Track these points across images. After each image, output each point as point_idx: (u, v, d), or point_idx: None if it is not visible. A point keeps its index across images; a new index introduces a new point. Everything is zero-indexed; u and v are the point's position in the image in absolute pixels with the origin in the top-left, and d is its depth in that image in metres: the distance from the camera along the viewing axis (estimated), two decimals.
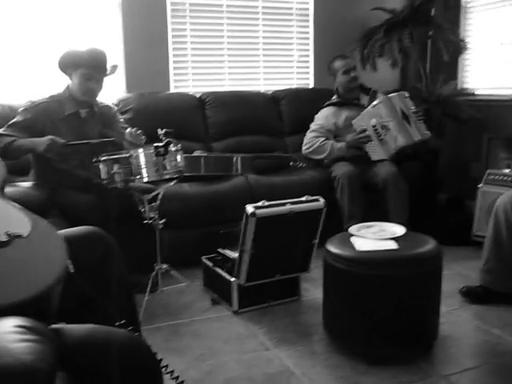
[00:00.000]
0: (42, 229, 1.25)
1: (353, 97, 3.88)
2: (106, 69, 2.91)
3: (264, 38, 4.53)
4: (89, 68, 2.84)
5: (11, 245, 1.16)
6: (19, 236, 1.19)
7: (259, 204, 2.47)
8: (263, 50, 4.55)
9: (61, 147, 2.70)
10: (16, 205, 1.30)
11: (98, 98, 3.03)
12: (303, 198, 2.60)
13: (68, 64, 2.87)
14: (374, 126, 3.58)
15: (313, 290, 2.91)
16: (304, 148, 3.78)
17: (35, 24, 3.72)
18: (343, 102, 3.84)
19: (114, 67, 2.94)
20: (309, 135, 3.79)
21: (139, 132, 2.75)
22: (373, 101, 3.70)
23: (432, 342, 2.27)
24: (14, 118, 2.89)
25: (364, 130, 3.61)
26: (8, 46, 3.68)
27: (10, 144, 2.71)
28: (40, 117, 2.84)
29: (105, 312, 1.36)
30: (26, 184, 2.86)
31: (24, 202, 1.35)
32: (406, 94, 3.64)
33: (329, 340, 2.34)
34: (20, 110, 2.91)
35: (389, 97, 3.59)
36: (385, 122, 3.55)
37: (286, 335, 2.42)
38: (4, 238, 1.16)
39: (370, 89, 3.91)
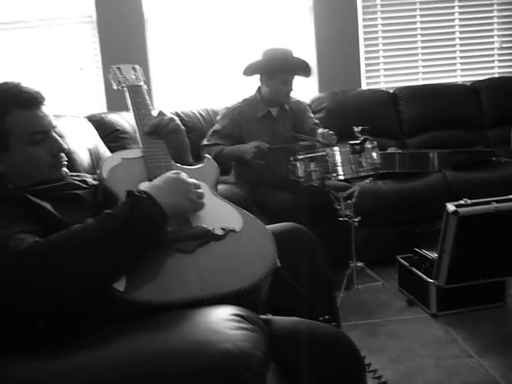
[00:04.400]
0: (253, 224, 1.32)
1: None
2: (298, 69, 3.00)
3: (460, 26, 4.29)
4: (286, 72, 2.96)
5: (226, 239, 1.24)
6: (233, 230, 1.27)
7: (461, 202, 2.34)
8: (459, 38, 4.30)
9: (266, 152, 2.84)
10: (228, 201, 1.39)
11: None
12: (511, 196, 2.40)
13: (265, 70, 2.99)
14: None
15: None
16: None
17: (230, 31, 3.98)
18: None
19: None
20: None
21: (331, 132, 2.77)
22: None
23: None
24: (215, 124, 3.12)
25: None
26: (206, 54, 3.99)
27: (220, 153, 2.94)
28: (236, 121, 3.03)
29: (309, 306, 1.39)
30: (228, 181, 3.06)
31: (228, 199, 1.44)
32: None
33: None
34: (218, 117, 3.14)
35: None
36: None
37: (490, 343, 2.25)
38: (220, 232, 1.25)
39: None
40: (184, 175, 1.29)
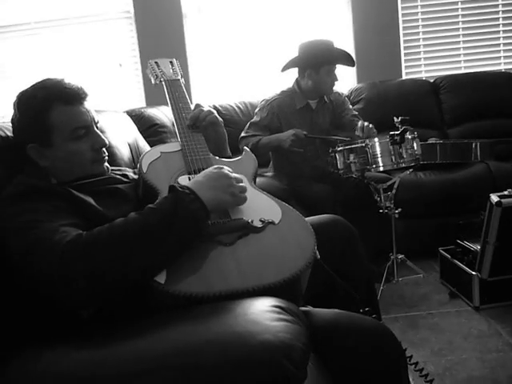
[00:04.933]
0: (292, 216, 1.31)
1: None
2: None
3: (504, 11, 4.15)
4: (331, 63, 2.94)
5: (265, 231, 1.24)
6: (272, 222, 1.27)
7: (505, 193, 2.29)
8: (503, 25, 4.17)
9: (303, 140, 2.82)
10: (267, 193, 1.39)
11: None
12: None
13: (309, 64, 2.96)
14: None
15: None
16: None
17: (267, 23, 3.99)
18: None
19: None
20: None
21: (371, 126, 2.74)
22: None
23: None
24: (254, 117, 3.12)
25: None
26: (243, 47, 4.01)
27: (257, 143, 2.94)
28: (275, 113, 3.02)
29: (349, 298, 1.38)
30: (267, 174, 3.07)
31: (266, 192, 1.43)
32: None
33: None
34: (257, 110, 3.13)
35: None
36: None
37: None
38: (259, 225, 1.25)
39: None
40: (226, 169, 1.29)
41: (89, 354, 1.01)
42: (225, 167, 1.30)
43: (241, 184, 1.30)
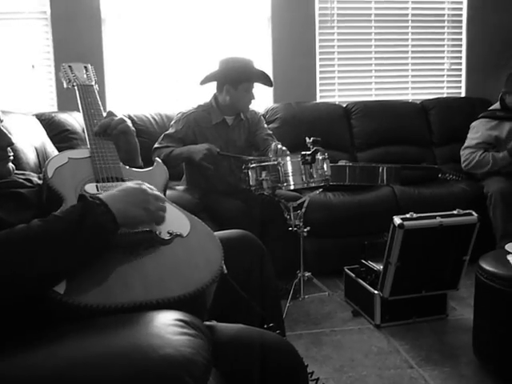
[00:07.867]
0: (200, 230, 1.31)
1: None
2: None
3: (413, 46, 4.41)
4: (250, 81, 2.98)
5: (172, 243, 1.23)
6: (180, 235, 1.25)
7: (407, 216, 2.39)
8: (412, 58, 4.43)
9: (216, 156, 2.82)
10: (177, 206, 1.38)
11: None
12: (455, 212, 2.47)
13: (228, 79, 2.97)
14: None
15: (460, 309, 2.75)
16: (463, 165, 3.57)
17: (188, 37, 3.97)
18: (507, 117, 3.54)
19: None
20: (465, 152, 3.57)
21: (284, 149, 2.77)
22: None
23: None
24: (169, 129, 3.09)
25: None
26: (162, 59, 3.98)
27: (169, 154, 2.91)
28: (190, 127, 3.01)
29: (254, 314, 1.39)
30: (179, 188, 3.04)
31: (177, 205, 1.42)
32: None
33: (479, 363, 2.19)
34: (172, 122, 3.10)
35: None
36: None
37: (431, 354, 2.31)
38: (166, 237, 1.23)
39: None
40: (146, 186, 1.25)
41: None
42: (145, 184, 1.26)
43: (160, 203, 1.25)
